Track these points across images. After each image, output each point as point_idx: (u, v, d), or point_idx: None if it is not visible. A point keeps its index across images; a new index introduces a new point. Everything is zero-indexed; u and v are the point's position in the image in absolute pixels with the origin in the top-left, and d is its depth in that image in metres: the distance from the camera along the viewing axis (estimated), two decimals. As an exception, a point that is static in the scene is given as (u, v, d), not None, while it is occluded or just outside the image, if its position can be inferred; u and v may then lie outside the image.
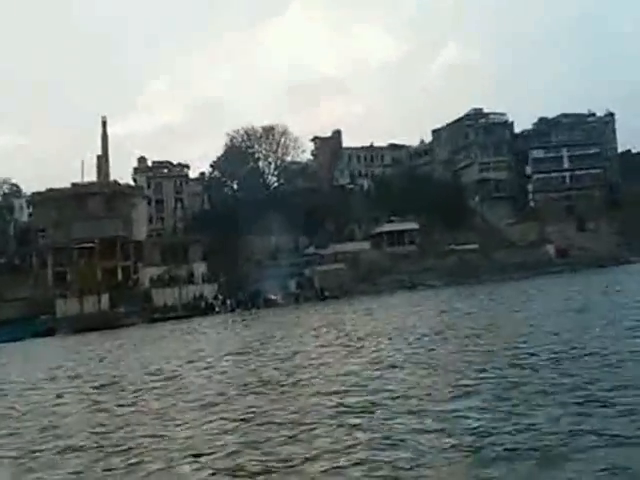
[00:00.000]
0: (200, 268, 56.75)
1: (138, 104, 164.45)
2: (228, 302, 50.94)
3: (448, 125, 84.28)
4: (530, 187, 79.57)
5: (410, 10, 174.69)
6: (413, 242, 72.17)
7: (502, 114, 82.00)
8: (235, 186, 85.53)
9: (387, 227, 72.37)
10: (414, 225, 72.51)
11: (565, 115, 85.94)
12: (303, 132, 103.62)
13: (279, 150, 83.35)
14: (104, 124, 68.39)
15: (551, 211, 76.61)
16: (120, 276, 61.72)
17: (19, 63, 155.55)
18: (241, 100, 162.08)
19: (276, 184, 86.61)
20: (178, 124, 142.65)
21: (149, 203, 75.48)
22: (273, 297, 52.46)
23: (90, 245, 55.88)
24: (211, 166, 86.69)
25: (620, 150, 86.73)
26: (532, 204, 79.25)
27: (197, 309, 49.14)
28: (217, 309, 49.71)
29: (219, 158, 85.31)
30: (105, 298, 51.77)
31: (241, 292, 52.97)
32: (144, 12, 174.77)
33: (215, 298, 52.41)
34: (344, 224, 75.96)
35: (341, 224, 75.70)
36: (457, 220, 72.33)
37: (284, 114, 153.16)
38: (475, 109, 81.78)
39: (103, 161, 67.19)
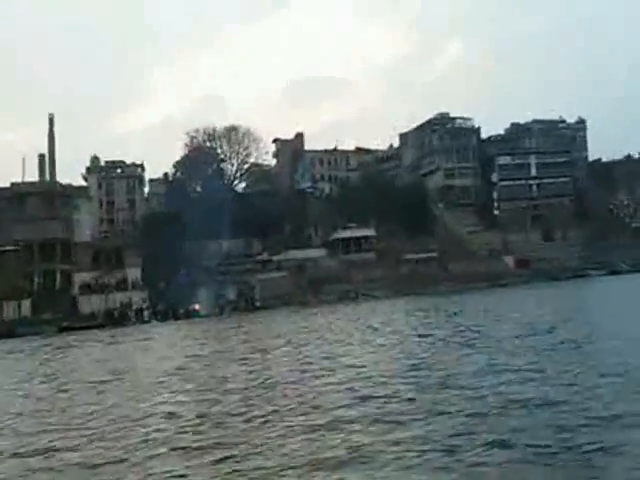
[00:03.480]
0: (133, 274, 54.34)
1: (134, 101, 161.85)
2: (145, 313, 48.48)
3: (414, 129, 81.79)
4: (495, 195, 77.02)
5: (414, 9, 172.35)
6: (371, 249, 69.78)
7: (468, 119, 79.49)
8: (199, 188, 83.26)
9: (343, 233, 69.90)
10: (371, 232, 70.13)
11: (537, 121, 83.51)
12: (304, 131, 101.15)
13: (241, 151, 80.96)
14: (51, 122, 66.01)
15: (516, 220, 74.12)
16: (59, 280, 59.74)
17: (12, 56, 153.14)
18: (241, 97, 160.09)
19: (242, 186, 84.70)
20: (175, 121, 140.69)
21: (100, 204, 73.25)
22: (196, 307, 50.07)
23: (14, 248, 53.44)
24: (174, 167, 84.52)
25: (591, 159, 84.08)
26: (497, 212, 76.62)
27: (111, 319, 46.72)
28: (133, 319, 47.30)
29: (182, 158, 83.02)
30: (26, 304, 49.44)
31: (161, 301, 50.50)
32: (143, 7, 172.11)
33: (144, 307, 49.97)
34: (301, 229, 73.52)
35: (298, 229, 73.24)
36: (419, 227, 69.91)
37: (283, 111, 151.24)
38: (441, 113, 79.30)
39: (46, 160, 64.82)
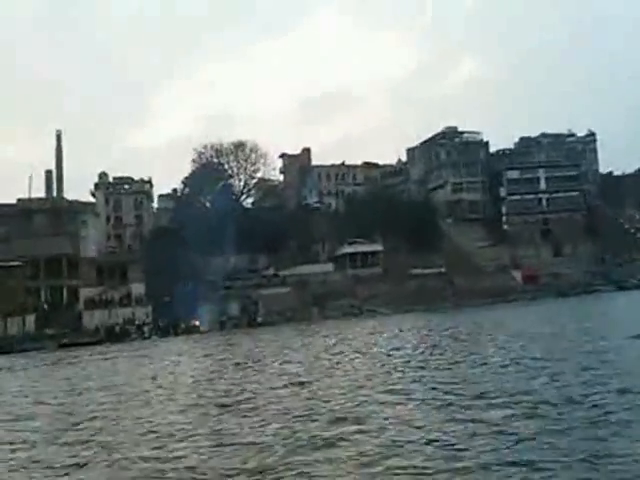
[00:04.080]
0: (137, 289, 54.31)
1: (144, 117, 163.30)
2: (146, 328, 48.30)
3: (422, 144, 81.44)
4: (504, 209, 76.17)
5: (425, 24, 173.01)
6: (377, 264, 69.27)
7: (477, 133, 79.04)
8: (207, 203, 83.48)
9: (350, 248, 69.45)
10: (378, 247, 69.69)
11: (545, 135, 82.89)
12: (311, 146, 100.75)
13: (249, 167, 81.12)
14: (58, 138, 66.75)
15: (525, 235, 73.32)
16: (66, 295, 59.91)
17: (23, 67, 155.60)
18: (248, 112, 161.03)
19: (249, 201, 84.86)
20: (187, 137, 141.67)
21: (108, 220, 73.59)
22: (197, 323, 49.84)
23: (20, 263, 53.65)
24: (182, 182, 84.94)
25: (602, 172, 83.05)
26: (506, 227, 75.72)
27: (112, 335, 46.57)
28: (133, 335, 47.13)
29: (190, 174, 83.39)
30: (30, 319, 49.50)
31: (164, 316, 50.31)
32: (156, 21, 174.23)
33: (145, 323, 49.85)
34: (308, 244, 73.18)
35: (305, 244, 72.91)
36: (426, 242, 69.27)
37: (291, 127, 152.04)
38: (449, 127, 78.91)
39: (53, 176, 65.38)
